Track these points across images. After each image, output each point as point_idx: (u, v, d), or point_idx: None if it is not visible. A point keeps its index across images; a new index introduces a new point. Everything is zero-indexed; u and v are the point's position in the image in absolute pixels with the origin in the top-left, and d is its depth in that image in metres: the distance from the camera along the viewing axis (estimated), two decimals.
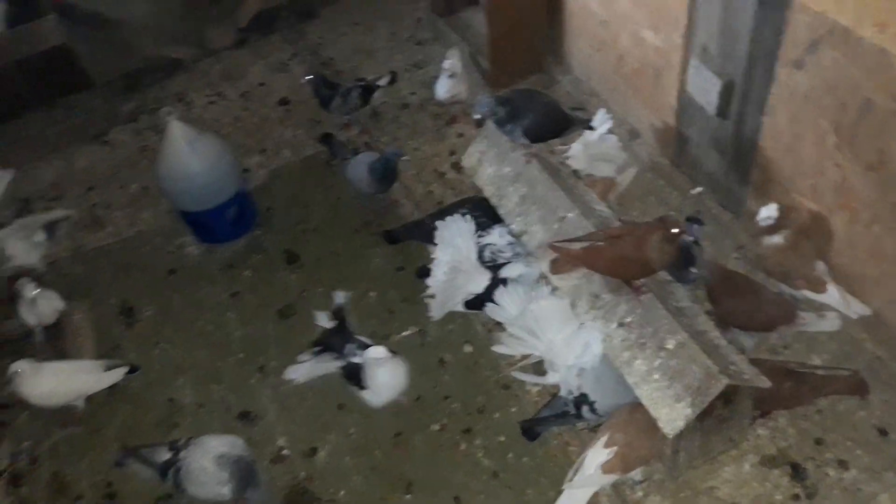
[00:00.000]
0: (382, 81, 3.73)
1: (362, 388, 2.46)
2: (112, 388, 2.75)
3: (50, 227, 3.25)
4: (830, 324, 2.48)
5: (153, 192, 3.60)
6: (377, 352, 2.39)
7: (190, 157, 3.06)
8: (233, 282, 3.19)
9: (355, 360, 2.47)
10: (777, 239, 2.49)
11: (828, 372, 2.31)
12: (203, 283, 3.21)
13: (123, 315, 3.12)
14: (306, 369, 2.58)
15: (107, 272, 3.33)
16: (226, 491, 2.22)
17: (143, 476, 2.38)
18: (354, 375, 2.47)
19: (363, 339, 2.55)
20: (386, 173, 3.17)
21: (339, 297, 2.69)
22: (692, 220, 2.54)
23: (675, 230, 2.05)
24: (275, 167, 3.71)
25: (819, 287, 2.47)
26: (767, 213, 2.49)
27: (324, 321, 2.64)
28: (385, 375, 2.43)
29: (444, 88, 3.57)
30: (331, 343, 2.57)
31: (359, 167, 3.17)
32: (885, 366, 2.48)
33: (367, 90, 3.67)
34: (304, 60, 4.39)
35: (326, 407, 2.68)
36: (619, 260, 2.20)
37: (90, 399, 2.73)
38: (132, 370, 2.73)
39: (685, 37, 2.81)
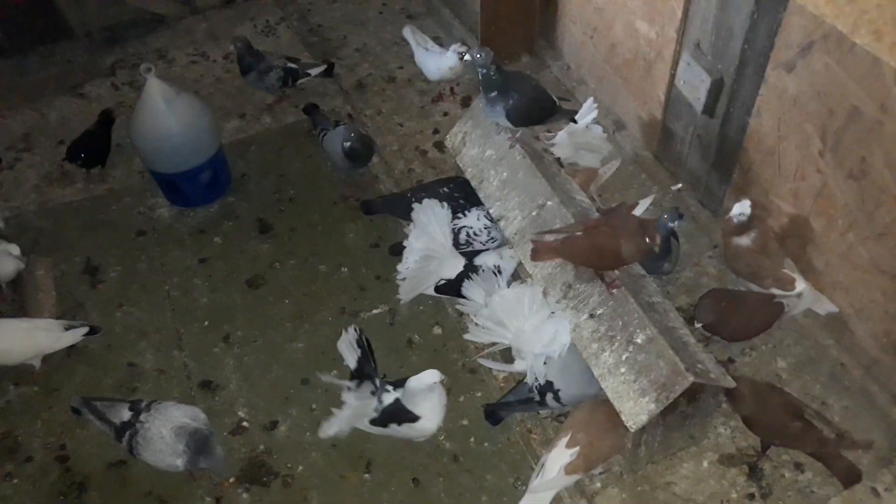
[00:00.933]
0: (314, 71, 3.61)
1: (413, 420, 2.25)
2: (71, 349, 2.69)
3: None
4: (805, 301, 2.48)
5: (127, 149, 3.51)
6: (433, 375, 2.18)
7: (167, 116, 2.97)
8: (203, 247, 3.12)
9: (387, 399, 2.26)
10: (745, 241, 2.48)
11: (836, 433, 2.20)
12: (172, 247, 3.14)
13: (88, 274, 3.05)
14: (345, 416, 2.28)
15: (73, 229, 3.24)
16: (179, 462, 2.19)
17: (96, 429, 2.34)
18: (398, 414, 2.25)
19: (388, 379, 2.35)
20: (355, 150, 3.07)
21: (351, 331, 2.35)
22: (673, 212, 2.52)
23: (649, 240, 2.06)
24: (253, 133, 3.63)
25: (787, 285, 2.47)
26: (741, 209, 2.45)
27: (350, 359, 2.33)
28: (435, 398, 2.25)
29: (447, 67, 3.48)
30: (365, 372, 2.30)
31: (335, 140, 3.10)
32: (848, 372, 2.50)
33: (291, 73, 3.54)
34: (290, 25, 4.29)
35: (290, 381, 2.65)
36: (594, 249, 2.19)
37: (47, 358, 2.66)
38: (93, 331, 2.66)
39: (679, 31, 2.77)
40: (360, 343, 2.32)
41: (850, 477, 2.21)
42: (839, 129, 2.24)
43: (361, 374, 2.29)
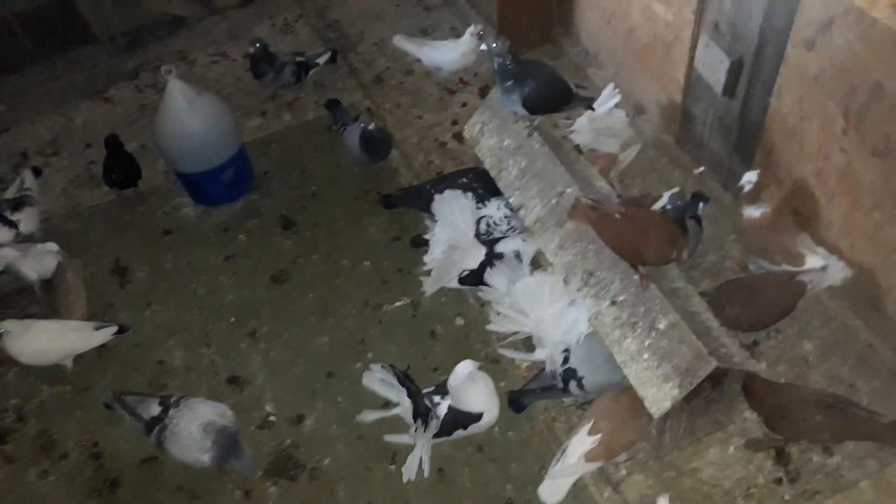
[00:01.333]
0: (321, 59, 3.70)
1: (478, 420, 2.23)
2: (101, 348, 2.76)
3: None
4: (832, 275, 2.43)
5: (151, 151, 3.56)
6: (466, 366, 2.16)
7: (188, 116, 3.02)
8: (227, 245, 3.17)
9: (441, 410, 2.23)
10: (755, 213, 2.45)
11: (869, 414, 2.14)
12: (197, 246, 3.19)
13: (116, 274, 3.12)
14: (422, 453, 2.26)
15: (101, 231, 3.32)
16: (206, 458, 2.23)
17: (127, 425, 2.40)
18: (459, 421, 2.23)
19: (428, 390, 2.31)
20: (371, 144, 3.09)
21: (378, 370, 2.27)
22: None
23: (676, 252, 2.06)
24: (274, 130, 3.67)
25: (798, 261, 2.44)
26: (748, 178, 2.45)
27: (394, 396, 2.27)
28: (482, 386, 2.23)
29: (470, 51, 3.44)
30: (421, 408, 2.22)
31: (354, 135, 3.12)
32: (877, 353, 2.45)
33: (303, 67, 3.65)
34: (308, 22, 4.32)
35: (315, 375, 2.68)
36: (621, 238, 2.19)
37: (79, 358, 2.73)
38: (122, 330, 2.72)
39: (697, 12, 2.73)
40: (401, 381, 2.21)
41: None
42: (862, 107, 2.19)
43: (420, 413, 2.22)
